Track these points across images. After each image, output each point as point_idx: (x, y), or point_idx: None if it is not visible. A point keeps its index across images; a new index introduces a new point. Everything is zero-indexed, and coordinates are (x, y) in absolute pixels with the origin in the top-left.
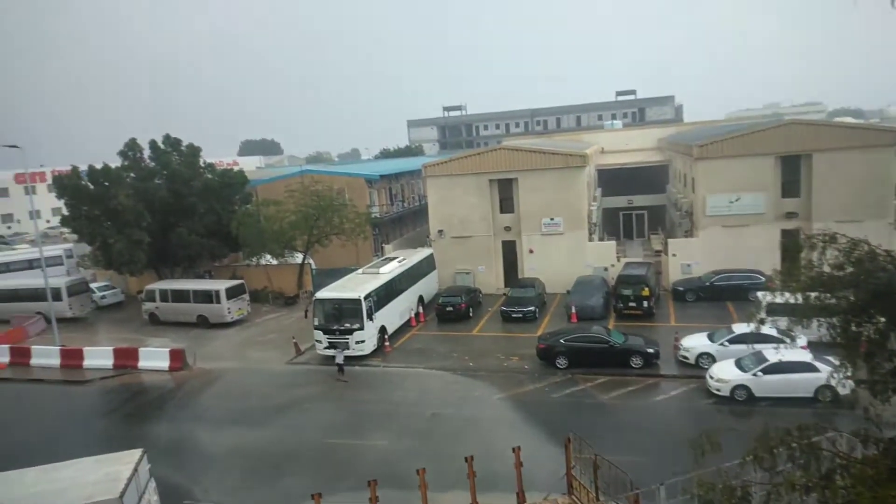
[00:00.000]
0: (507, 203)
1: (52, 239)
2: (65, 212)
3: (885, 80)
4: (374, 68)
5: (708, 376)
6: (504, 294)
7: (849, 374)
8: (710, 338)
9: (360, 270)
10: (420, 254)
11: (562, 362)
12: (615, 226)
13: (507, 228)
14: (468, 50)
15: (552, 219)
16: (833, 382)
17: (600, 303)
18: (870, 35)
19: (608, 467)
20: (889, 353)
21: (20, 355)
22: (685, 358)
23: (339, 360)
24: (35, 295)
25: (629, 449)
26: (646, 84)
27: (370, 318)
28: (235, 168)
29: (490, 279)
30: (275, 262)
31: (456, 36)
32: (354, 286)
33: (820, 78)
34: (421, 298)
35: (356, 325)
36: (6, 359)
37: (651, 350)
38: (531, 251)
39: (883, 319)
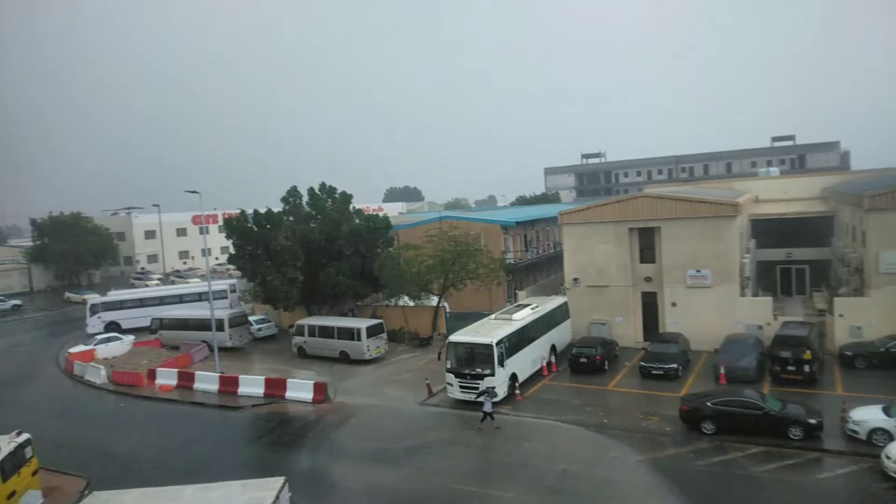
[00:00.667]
0: (647, 253)
1: (219, 274)
2: (231, 250)
3: None
4: (514, 115)
5: (884, 456)
6: (643, 349)
7: None
8: (887, 411)
9: (493, 316)
10: (554, 302)
11: (708, 427)
12: (771, 281)
13: (648, 279)
14: (610, 95)
15: (699, 271)
16: None
17: (753, 364)
18: None
19: None
20: None
21: (186, 379)
22: (854, 432)
23: (487, 408)
24: (202, 324)
25: None
26: (807, 129)
27: (501, 364)
28: (380, 214)
29: (628, 332)
30: (412, 303)
31: (597, 82)
32: (487, 331)
33: None
34: (553, 348)
35: (487, 371)
36: (174, 382)
37: (813, 421)
38: (674, 304)
39: None
